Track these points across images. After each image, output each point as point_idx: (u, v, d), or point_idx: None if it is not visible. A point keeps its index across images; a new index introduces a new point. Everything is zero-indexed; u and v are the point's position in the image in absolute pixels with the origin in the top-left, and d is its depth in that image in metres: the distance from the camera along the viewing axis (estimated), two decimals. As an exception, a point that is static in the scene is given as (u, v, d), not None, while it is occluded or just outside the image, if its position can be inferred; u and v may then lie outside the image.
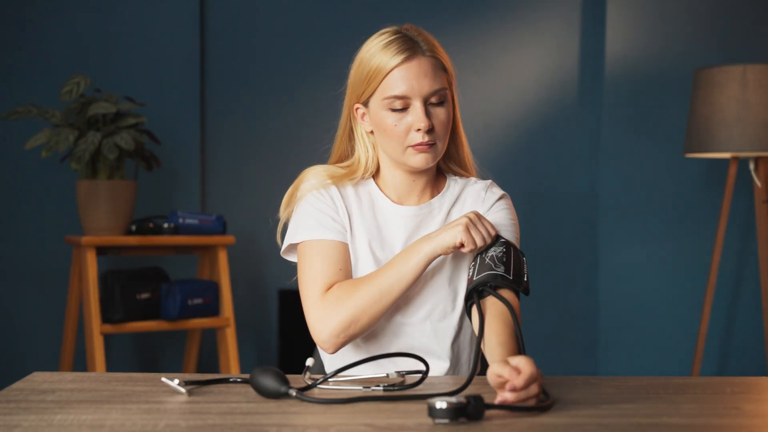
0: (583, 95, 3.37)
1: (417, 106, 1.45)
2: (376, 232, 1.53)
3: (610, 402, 1.17)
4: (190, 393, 1.21)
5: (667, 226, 3.33)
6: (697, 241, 3.30)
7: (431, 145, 1.47)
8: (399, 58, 1.45)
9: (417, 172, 1.54)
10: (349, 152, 1.57)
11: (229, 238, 2.94)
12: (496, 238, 1.45)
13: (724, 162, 3.25)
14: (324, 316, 1.43)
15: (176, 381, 1.21)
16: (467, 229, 1.39)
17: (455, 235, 1.39)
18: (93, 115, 2.73)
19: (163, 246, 2.91)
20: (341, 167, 1.56)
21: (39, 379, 1.29)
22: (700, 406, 1.16)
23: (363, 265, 1.51)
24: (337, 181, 1.54)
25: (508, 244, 1.44)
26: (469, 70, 3.35)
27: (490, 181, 1.61)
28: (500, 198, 1.58)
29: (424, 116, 1.45)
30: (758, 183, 2.99)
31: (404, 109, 1.46)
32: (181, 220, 2.89)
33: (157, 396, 1.19)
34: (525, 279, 1.42)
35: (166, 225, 2.85)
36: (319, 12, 3.30)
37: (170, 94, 3.20)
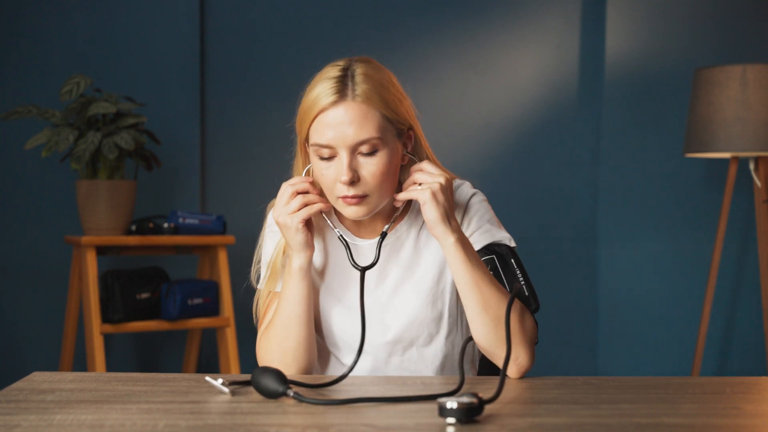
0: (583, 95, 3.37)
1: (342, 157, 1.34)
2: (338, 272, 1.48)
3: (610, 402, 1.17)
4: (233, 393, 1.21)
5: (667, 226, 3.33)
6: (697, 241, 3.30)
7: (361, 198, 1.36)
8: (324, 103, 1.34)
9: None
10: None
11: (229, 238, 2.94)
12: (481, 254, 1.42)
13: (724, 162, 3.25)
14: (263, 360, 1.45)
15: (220, 380, 1.21)
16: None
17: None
18: (93, 115, 2.73)
19: (163, 246, 2.91)
20: None
21: (39, 379, 1.29)
22: (700, 406, 1.15)
23: (327, 308, 1.48)
24: None
25: (492, 259, 1.42)
26: (469, 69, 3.35)
27: (455, 183, 1.51)
28: (468, 201, 1.48)
29: (347, 169, 1.33)
30: (758, 183, 2.99)
31: (331, 158, 1.35)
32: (181, 220, 2.89)
33: (157, 396, 1.19)
34: (526, 293, 1.40)
35: (166, 225, 2.85)
36: (319, 12, 3.30)
37: (170, 94, 3.20)
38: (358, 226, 1.49)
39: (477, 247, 1.44)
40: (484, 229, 1.46)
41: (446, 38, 3.34)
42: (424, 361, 1.48)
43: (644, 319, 3.34)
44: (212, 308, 2.92)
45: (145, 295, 2.84)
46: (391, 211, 1.48)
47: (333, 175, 1.35)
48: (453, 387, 1.25)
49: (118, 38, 3.15)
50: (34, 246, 3.09)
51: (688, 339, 3.28)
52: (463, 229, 1.46)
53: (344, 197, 1.36)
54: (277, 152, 3.29)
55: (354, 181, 1.34)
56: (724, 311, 3.33)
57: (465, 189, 1.50)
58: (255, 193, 3.32)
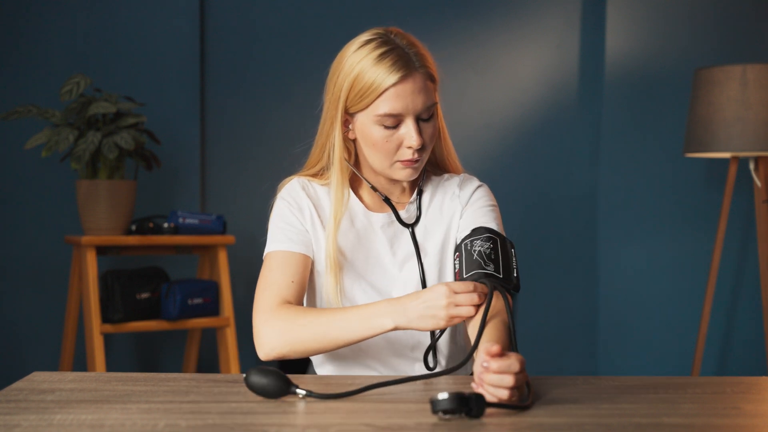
0: (583, 95, 3.37)
1: (409, 124, 1.42)
2: (354, 239, 1.52)
3: (610, 402, 1.17)
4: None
5: (667, 226, 3.33)
6: (697, 241, 3.30)
7: (417, 160, 1.45)
8: (395, 78, 1.40)
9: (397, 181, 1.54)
10: (325, 158, 1.53)
11: (229, 238, 2.94)
12: (482, 230, 1.44)
13: (724, 162, 3.25)
14: (267, 328, 1.40)
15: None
16: (450, 316, 1.29)
17: (436, 323, 1.29)
18: (93, 114, 2.73)
19: (163, 246, 2.91)
20: (314, 174, 1.54)
21: (39, 379, 1.29)
22: (700, 406, 1.16)
23: (332, 273, 1.49)
24: (309, 186, 1.53)
25: (494, 237, 1.43)
26: (469, 69, 3.35)
27: (463, 174, 1.59)
28: (476, 189, 1.56)
29: (417, 135, 1.42)
30: (758, 183, 2.99)
31: (396, 125, 1.43)
32: (181, 220, 2.89)
33: (157, 396, 1.19)
34: (515, 275, 1.40)
35: (166, 225, 2.85)
36: (319, 12, 3.30)
37: (170, 94, 3.20)
38: (377, 200, 1.55)
39: (483, 220, 1.50)
40: (486, 213, 1.52)
41: (446, 38, 3.34)
42: (420, 339, 1.50)
43: (644, 319, 3.34)
44: (212, 308, 2.92)
45: (145, 295, 2.84)
46: (410, 185, 1.56)
47: (398, 141, 1.44)
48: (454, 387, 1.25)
49: (118, 38, 3.15)
50: (34, 246, 3.09)
51: (688, 339, 3.28)
52: (472, 201, 1.54)
53: (406, 161, 1.45)
54: (277, 152, 3.31)
55: (421, 146, 1.44)
56: (724, 311, 3.33)
57: (470, 182, 1.58)
58: (255, 193, 3.32)
